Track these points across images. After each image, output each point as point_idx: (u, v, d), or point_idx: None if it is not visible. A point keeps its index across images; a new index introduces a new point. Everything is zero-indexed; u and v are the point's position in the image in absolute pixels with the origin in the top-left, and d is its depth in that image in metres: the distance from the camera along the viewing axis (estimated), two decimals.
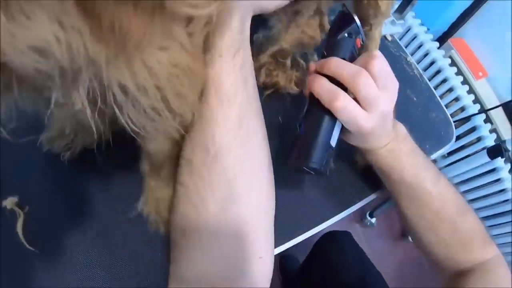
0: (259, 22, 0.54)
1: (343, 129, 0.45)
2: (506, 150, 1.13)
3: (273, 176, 0.40)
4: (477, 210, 1.42)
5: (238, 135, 0.36)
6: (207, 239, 0.35)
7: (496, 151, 1.15)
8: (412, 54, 1.56)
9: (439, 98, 0.80)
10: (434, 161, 1.56)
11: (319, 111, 0.43)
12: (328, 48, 0.47)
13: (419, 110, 0.73)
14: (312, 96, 0.44)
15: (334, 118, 0.43)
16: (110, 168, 0.47)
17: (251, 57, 0.39)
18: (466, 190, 1.44)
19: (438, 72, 1.47)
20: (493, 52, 1.52)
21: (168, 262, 0.39)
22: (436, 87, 1.50)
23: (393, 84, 0.45)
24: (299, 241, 0.51)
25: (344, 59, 0.45)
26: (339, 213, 0.54)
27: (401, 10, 0.90)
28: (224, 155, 0.35)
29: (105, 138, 0.38)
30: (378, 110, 0.42)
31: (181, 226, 0.37)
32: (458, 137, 1.45)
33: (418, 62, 1.54)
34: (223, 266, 0.36)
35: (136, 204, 0.45)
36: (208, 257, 0.36)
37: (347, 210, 0.55)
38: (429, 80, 1.49)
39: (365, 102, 0.42)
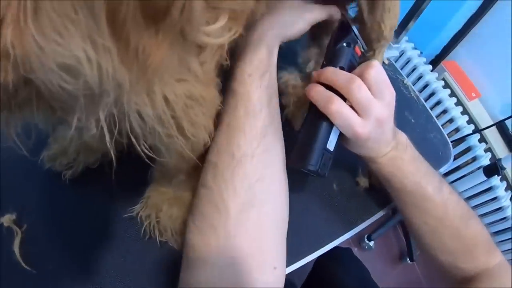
0: None
1: (343, 136, 0.47)
2: (502, 168, 1.15)
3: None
4: None
5: (261, 145, 0.40)
6: (224, 240, 0.37)
7: (492, 169, 1.17)
8: (406, 77, 1.60)
9: (436, 119, 0.82)
10: None
11: (316, 116, 0.46)
12: (328, 57, 0.50)
13: (417, 131, 0.76)
14: (311, 102, 0.47)
15: (331, 124, 0.45)
16: (113, 188, 0.47)
17: (276, 80, 0.44)
18: None
19: (432, 94, 1.51)
20: (485, 73, 1.57)
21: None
22: (430, 109, 1.53)
23: (389, 92, 0.46)
24: (300, 265, 0.52)
25: (343, 67, 0.48)
26: (341, 235, 0.55)
27: (396, 35, 0.94)
28: (248, 161, 0.38)
29: (108, 158, 0.39)
30: (372, 116, 0.44)
31: (199, 225, 0.38)
32: (454, 158, 1.47)
33: (413, 85, 1.58)
34: (237, 270, 0.36)
35: (132, 208, 0.46)
36: (224, 260, 0.36)
37: (349, 232, 0.56)
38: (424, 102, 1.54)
39: (359, 108, 0.44)
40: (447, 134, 1.45)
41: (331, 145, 0.46)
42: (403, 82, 0.85)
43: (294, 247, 0.51)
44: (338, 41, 0.49)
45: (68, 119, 0.26)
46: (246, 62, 0.42)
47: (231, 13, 0.31)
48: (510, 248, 1.30)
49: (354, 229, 0.56)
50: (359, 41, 0.51)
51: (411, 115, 0.78)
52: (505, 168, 1.15)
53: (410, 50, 1.58)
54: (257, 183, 0.38)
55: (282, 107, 0.58)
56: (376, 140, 0.47)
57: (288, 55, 0.56)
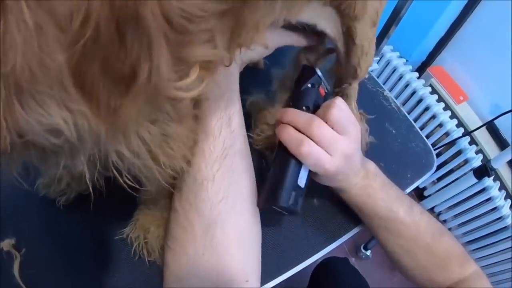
0: None
1: (313, 172, 0.48)
2: (492, 169, 1.16)
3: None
4: (473, 230, 1.44)
5: (222, 166, 0.41)
6: (194, 258, 0.39)
7: (482, 171, 1.18)
8: (393, 86, 1.63)
9: (418, 128, 0.84)
10: (424, 188, 1.60)
11: (285, 155, 0.47)
12: (293, 99, 0.52)
13: (398, 142, 0.78)
14: (279, 141, 0.48)
15: (299, 161, 0.46)
16: (104, 212, 0.50)
17: (238, 100, 0.46)
18: (459, 213, 1.46)
19: (420, 101, 1.54)
20: (472, 76, 1.59)
21: None
22: (419, 116, 1.56)
23: (354, 128, 0.48)
24: (283, 278, 0.53)
25: (308, 107, 0.50)
26: (324, 248, 0.57)
27: (376, 46, 0.96)
28: (209, 183, 0.40)
29: (98, 185, 0.41)
30: (339, 152, 0.46)
31: (171, 246, 0.41)
32: (446, 162, 1.49)
33: (400, 93, 1.61)
34: (209, 285, 0.39)
35: (123, 230, 0.49)
36: (195, 277, 0.39)
37: (331, 245, 0.58)
38: (411, 110, 1.57)
39: (324, 146, 0.45)
40: (437, 139, 1.49)
41: (301, 182, 0.47)
42: (383, 94, 0.87)
43: (276, 261, 0.53)
44: (303, 82, 0.52)
45: (58, 159, 0.30)
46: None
47: (203, 64, 0.31)
48: (509, 247, 1.31)
49: (337, 241, 0.58)
50: (323, 82, 0.53)
51: (392, 126, 0.80)
52: (495, 169, 1.17)
53: (396, 59, 1.61)
54: (220, 203, 0.40)
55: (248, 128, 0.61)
56: (345, 173, 0.49)
57: (253, 77, 0.58)
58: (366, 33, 0.49)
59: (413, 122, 0.85)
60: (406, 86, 1.58)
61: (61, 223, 0.50)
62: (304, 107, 0.50)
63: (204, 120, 0.42)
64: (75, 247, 0.49)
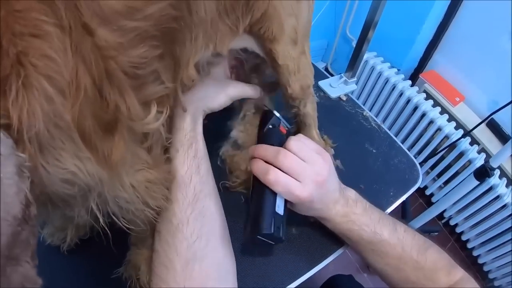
0: None
1: (290, 202, 0.51)
2: (492, 169, 1.15)
3: (230, 239, 0.51)
4: (486, 231, 1.42)
5: (195, 209, 0.46)
6: None
7: (482, 172, 1.17)
8: (387, 97, 1.65)
9: (400, 143, 0.86)
10: (432, 194, 1.56)
11: (260, 187, 0.50)
12: (259, 140, 0.57)
13: (379, 161, 0.80)
14: (253, 176, 0.52)
15: (273, 191, 0.50)
16: (102, 255, 0.55)
17: (204, 147, 0.51)
18: (469, 215, 1.44)
19: (415, 108, 1.54)
20: (466, 75, 1.59)
21: None
22: (417, 124, 1.56)
23: (319, 156, 0.52)
24: None
25: (273, 145, 0.54)
26: (304, 274, 0.59)
27: (351, 68, 0.99)
28: (184, 225, 0.45)
29: (97, 231, 0.47)
30: (308, 179, 0.49)
31: (156, 283, 0.45)
32: (450, 165, 1.49)
33: (394, 103, 1.62)
34: None
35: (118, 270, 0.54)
36: None
37: (311, 270, 0.60)
38: (408, 118, 1.57)
39: (293, 174, 0.49)
40: (438, 144, 1.49)
41: (279, 209, 0.50)
42: (363, 115, 0.90)
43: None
44: (265, 124, 0.57)
45: (67, 212, 0.37)
46: (174, 135, 0.48)
47: (157, 99, 0.39)
48: None
49: (316, 267, 0.60)
50: (282, 122, 0.58)
51: (372, 145, 0.82)
52: (495, 169, 1.16)
53: (387, 69, 1.64)
54: (196, 242, 0.44)
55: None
56: (321, 200, 0.51)
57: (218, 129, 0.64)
58: (288, 53, 0.52)
59: (395, 138, 0.87)
60: (400, 95, 1.59)
61: (65, 266, 0.56)
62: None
63: (176, 170, 0.47)
64: (77, 286, 0.55)
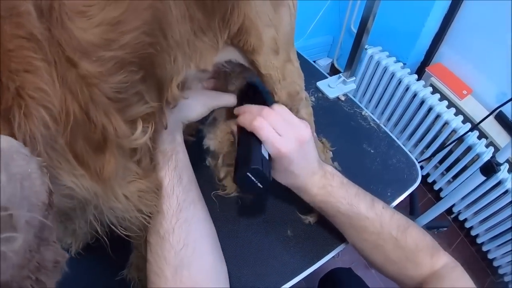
0: None
1: (273, 165, 0.54)
2: (498, 164, 1.14)
3: (218, 244, 0.53)
4: (496, 225, 1.41)
5: (180, 219, 0.48)
6: None
7: (488, 168, 1.16)
8: (393, 92, 1.64)
9: (399, 142, 0.86)
10: (440, 189, 1.56)
11: (247, 136, 0.54)
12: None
13: (377, 161, 0.80)
14: (239, 128, 0.56)
15: (259, 140, 0.53)
16: (107, 257, 0.56)
17: (185, 157, 0.53)
18: (479, 209, 1.43)
19: (422, 103, 1.53)
20: (474, 66, 1.56)
21: None
22: (424, 118, 1.55)
23: (301, 121, 0.55)
24: None
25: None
26: (299, 274, 0.61)
27: (349, 68, 0.99)
28: (170, 235, 0.47)
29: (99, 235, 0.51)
30: (290, 136, 0.53)
31: None
32: (458, 159, 1.48)
33: (401, 98, 1.61)
34: None
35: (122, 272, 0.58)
36: None
37: (306, 271, 0.61)
38: (415, 113, 1.56)
39: (277, 129, 0.53)
40: (446, 137, 1.48)
41: (265, 153, 0.53)
42: (362, 114, 0.90)
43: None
44: (245, 97, 0.61)
45: (68, 225, 0.41)
46: (156, 146, 0.50)
47: (143, 117, 0.41)
48: None
49: (312, 267, 0.62)
50: (262, 94, 0.61)
51: (370, 146, 0.83)
52: (501, 164, 1.15)
53: (392, 64, 1.63)
54: (182, 250, 0.46)
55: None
56: (299, 164, 0.54)
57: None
58: (270, 63, 0.53)
59: (394, 137, 0.87)
60: (406, 90, 1.58)
61: (73, 269, 0.59)
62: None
63: (160, 182, 0.49)
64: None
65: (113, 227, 0.44)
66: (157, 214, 0.48)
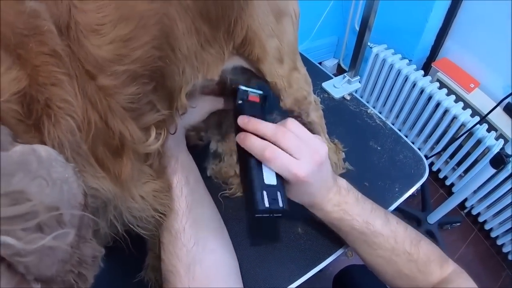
0: None
1: (288, 186, 0.51)
2: (507, 155, 1.15)
3: (229, 239, 0.55)
4: (508, 219, 1.40)
5: (189, 219, 0.51)
6: None
7: (498, 160, 1.17)
8: (400, 89, 1.65)
9: (405, 138, 0.88)
10: (452, 184, 1.55)
11: (244, 161, 0.51)
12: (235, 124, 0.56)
13: (384, 157, 0.82)
14: (239, 149, 0.53)
15: (258, 162, 0.50)
16: (124, 260, 0.58)
17: (188, 158, 0.55)
18: (492, 203, 1.43)
19: (429, 98, 1.54)
20: (480, 59, 1.57)
21: None
22: (432, 113, 1.56)
23: (316, 137, 0.53)
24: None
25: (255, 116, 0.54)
26: (308, 271, 0.62)
27: (353, 67, 1.01)
28: (181, 234, 0.50)
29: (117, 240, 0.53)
30: (307, 157, 0.49)
31: (166, 287, 0.51)
32: (468, 153, 1.48)
33: (408, 94, 1.62)
34: None
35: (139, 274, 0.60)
36: None
37: (315, 268, 0.63)
38: (423, 109, 1.57)
39: (292, 152, 0.49)
40: (455, 132, 1.48)
41: (270, 179, 0.49)
42: (367, 112, 0.92)
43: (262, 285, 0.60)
44: (234, 103, 0.57)
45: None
46: (163, 150, 0.51)
47: (156, 124, 0.44)
48: None
49: (320, 264, 0.63)
50: (249, 92, 0.57)
51: (377, 143, 0.85)
52: (511, 156, 1.15)
53: (398, 61, 1.64)
54: (194, 247, 0.49)
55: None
56: (316, 184, 0.51)
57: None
58: (275, 71, 0.54)
59: (400, 133, 0.88)
60: (413, 86, 1.59)
61: None
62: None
63: (168, 184, 0.51)
64: None
65: (131, 226, 0.47)
66: (169, 214, 0.51)
